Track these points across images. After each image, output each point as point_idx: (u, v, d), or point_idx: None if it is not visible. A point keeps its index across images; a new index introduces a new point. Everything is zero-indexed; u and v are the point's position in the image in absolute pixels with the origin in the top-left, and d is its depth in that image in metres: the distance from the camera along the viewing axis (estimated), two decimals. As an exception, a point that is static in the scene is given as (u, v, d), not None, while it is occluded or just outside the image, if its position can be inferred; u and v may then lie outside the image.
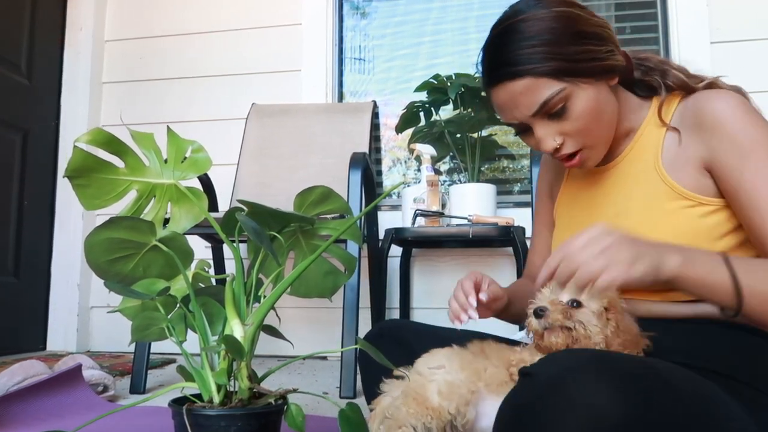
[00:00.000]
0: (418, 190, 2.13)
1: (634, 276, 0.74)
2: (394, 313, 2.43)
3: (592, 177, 1.04)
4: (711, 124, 0.88)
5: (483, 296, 0.97)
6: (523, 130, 0.96)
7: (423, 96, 2.35)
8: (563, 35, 0.88)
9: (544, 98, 0.89)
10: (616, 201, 0.97)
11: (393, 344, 1.12)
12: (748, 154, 0.84)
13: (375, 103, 2.58)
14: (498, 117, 1.01)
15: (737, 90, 0.94)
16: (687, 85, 0.96)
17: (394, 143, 2.77)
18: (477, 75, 2.20)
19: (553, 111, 0.90)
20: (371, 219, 2.30)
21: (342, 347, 1.76)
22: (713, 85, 0.96)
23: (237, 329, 0.91)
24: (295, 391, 0.95)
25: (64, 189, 2.78)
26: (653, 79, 0.99)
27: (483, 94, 0.98)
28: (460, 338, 1.05)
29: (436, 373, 0.86)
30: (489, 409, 0.84)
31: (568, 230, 1.05)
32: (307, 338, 2.50)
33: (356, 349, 1.73)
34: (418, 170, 2.43)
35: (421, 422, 0.82)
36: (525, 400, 0.66)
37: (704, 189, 0.89)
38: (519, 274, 2.02)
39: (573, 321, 0.80)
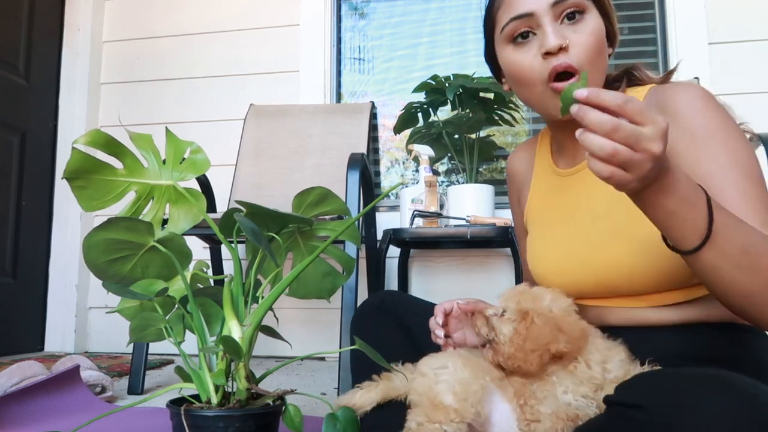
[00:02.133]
0: (416, 190, 2.13)
1: (624, 189, 0.67)
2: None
3: (560, 181, 1.03)
4: (672, 113, 0.87)
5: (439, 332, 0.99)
6: (525, 34, 0.92)
7: (421, 97, 2.35)
8: None
9: None
10: (593, 204, 0.96)
11: (393, 323, 1.08)
12: (704, 142, 0.84)
13: (373, 103, 2.58)
14: (503, 21, 0.94)
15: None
16: (651, 79, 0.97)
17: (392, 144, 2.77)
18: (475, 76, 2.22)
19: (572, 10, 0.89)
20: (369, 220, 2.30)
21: (340, 348, 1.76)
22: (669, 75, 0.98)
23: (235, 330, 0.91)
24: (293, 392, 0.95)
25: (62, 190, 2.78)
26: (618, 75, 1.01)
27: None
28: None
29: (442, 374, 0.85)
30: (498, 403, 0.84)
31: (544, 238, 1.04)
32: (306, 339, 2.50)
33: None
34: (416, 171, 2.43)
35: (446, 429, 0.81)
36: None
37: None
38: (517, 275, 2.03)
39: (492, 331, 0.85)
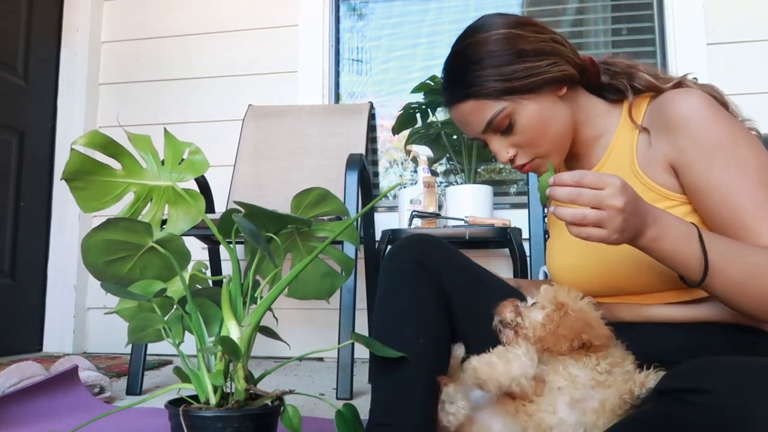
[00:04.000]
0: (415, 191, 2.13)
1: (610, 243, 0.78)
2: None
3: None
4: (676, 125, 0.89)
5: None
6: (485, 144, 1.03)
7: (419, 97, 2.36)
8: (502, 57, 0.95)
9: (488, 118, 0.97)
10: None
11: (432, 287, 0.94)
12: (715, 153, 0.86)
13: (371, 104, 2.58)
14: None
15: (710, 88, 0.95)
16: (655, 86, 0.98)
17: (390, 144, 2.77)
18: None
19: (500, 128, 0.97)
20: (368, 220, 2.30)
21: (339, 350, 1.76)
22: (681, 84, 0.97)
23: (233, 330, 0.91)
24: (291, 392, 0.95)
25: (60, 190, 2.78)
26: (619, 83, 1.02)
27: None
28: (500, 289, 1.02)
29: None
30: (500, 423, 0.85)
31: (560, 237, 1.05)
32: (304, 339, 2.50)
33: (352, 349, 1.73)
34: (415, 172, 2.43)
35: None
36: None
37: (674, 186, 0.91)
38: (515, 275, 2.02)
39: (519, 316, 0.88)
